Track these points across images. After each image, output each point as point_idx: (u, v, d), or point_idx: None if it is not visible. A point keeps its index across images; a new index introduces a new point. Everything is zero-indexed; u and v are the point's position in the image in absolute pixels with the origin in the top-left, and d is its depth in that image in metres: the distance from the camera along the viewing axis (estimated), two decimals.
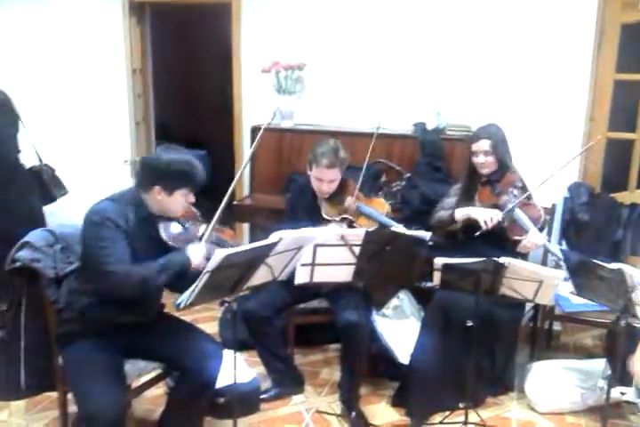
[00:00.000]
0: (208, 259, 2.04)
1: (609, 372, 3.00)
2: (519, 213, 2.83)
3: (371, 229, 2.34)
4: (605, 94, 3.52)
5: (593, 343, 3.70)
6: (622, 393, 2.94)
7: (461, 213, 2.95)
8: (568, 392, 2.97)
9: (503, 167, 2.95)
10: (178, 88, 6.06)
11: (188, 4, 4.42)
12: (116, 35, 4.29)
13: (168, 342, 2.40)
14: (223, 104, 4.79)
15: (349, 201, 2.94)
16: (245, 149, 4.28)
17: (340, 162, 2.87)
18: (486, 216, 2.84)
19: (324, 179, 2.89)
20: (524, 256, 2.90)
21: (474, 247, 2.80)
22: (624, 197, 3.56)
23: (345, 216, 2.93)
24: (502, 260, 2.33)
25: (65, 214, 3.94)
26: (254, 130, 4.02)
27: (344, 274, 2.44)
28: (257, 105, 4.15)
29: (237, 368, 2.33)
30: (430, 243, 2.43)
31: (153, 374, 2.54)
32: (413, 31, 3.76)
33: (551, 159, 3.35)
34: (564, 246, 3.39)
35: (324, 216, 2.94)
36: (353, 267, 2.42)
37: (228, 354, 2.47)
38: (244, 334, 2.96)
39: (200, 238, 2.28)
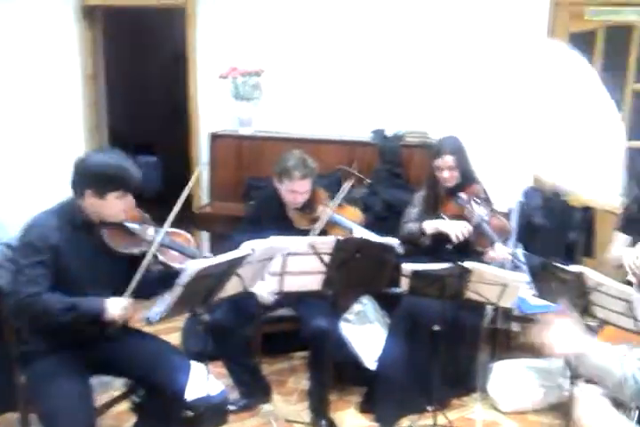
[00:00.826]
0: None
1: (568, 370, 3.12)
2: (485, 226, 2.89)
3: (341, 238, 2.35)
4: None
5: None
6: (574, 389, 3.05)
7: (431, 227, 2.97)
8: (530, 391, 3.05)
9: (467, 180, 3.01)
10: (131, 94, 5.95)
11: (140, 7, 4.35)
12: (69, 39, 4.18)
13: (134, 356, 2.34)
14: (179, 110, 4.73)
15: (322, 211, 2.91)
16: (203, 155, 4.23)
17: (311, 172, 2.87)
18: (457, 230, 2.86)
19: (298, 191, 2.86)
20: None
21: (439, 254, 2.85)
22: (576, 201, 3.69)
23: (316, 226, 2.91)
24: (468, 265, 2.39)
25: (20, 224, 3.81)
26: (212, 137, 4.00)
27: (313, 282, 2.45)
28: (214, 111, 4.11)
29: (207, 381, 2.30)
30: (399, 251, 2.46)
31: (119, 390, 2.48)
32: (370, 38, 3.80)
33: (507, 164, 3.44)
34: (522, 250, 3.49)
35: (295, 226, 2.92)
36: (322, 275, 2.43)
37: (194, 366, 2.44)
38: (209, 345, 2.92)
39: (151, 242, 2.21)
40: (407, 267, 2.41)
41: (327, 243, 2.34)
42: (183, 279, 1.90)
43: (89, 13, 4.21)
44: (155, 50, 5.86)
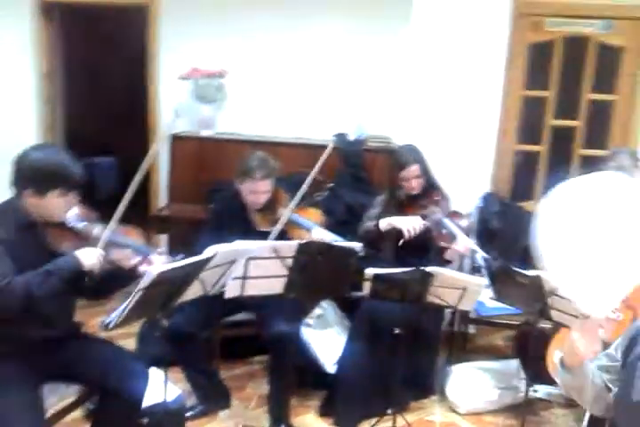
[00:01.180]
0: (111, 262, 1.93)
1: (522, 372, 3.19)
2: (446, 222, 2.94)
3: (303, 241, 2.34)
4: (514, 109, 3.74)
5: (504, 344, 3.89)
6: (535, 391, 3.13)
7: (385, 223, 3.01)
8: (486, 393, 3.11)
9: (432, 186, 3.08)
10: (90, 93, 5.81)
11: (101, 5, 4.26)
12: (25, 37, 4.06)
13: (89, 362, 2.27)
14: (139, 111, 4.65)
15: (283, 212, 2.90)
16: (162, 156, 4.17)
17: (272, 172, 2.87)
18: (409, 225, 2.90)
19: (259, 191, 2.86)
20: (447, 264, 3.01)
21: (401, 258, 2.87)
22: (531, 206, 3.78)
23: (277, 227, 2.90)
24: (429, 269, 2.41)
25: None
26: (172, 138, 3.94)
27: (275, 286, 2.43)
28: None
29: (164, 386, 2.26)
30: (361, 254, 2.47)
31: (73, 398, 2.41)
32: (334, 41, 3.82)
33: (466, 170, 3.51)
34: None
35: (256, 227, 2.90)
36: (284, 279, 2.42)
37: (151, 372, 2.39)
38: (166, 350, 2.86)
39: (97, 240, 2.13)
40: (370, 271, 2.42)
41: (290, 246, 2.33)
42: (143, 283, 1.86)
43: (46, 11, 4.10)
44: (115, 49, 5.74)
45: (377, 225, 3.03)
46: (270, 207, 2.94)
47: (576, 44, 3.63)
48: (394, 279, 2.43)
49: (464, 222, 3.06)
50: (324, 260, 2.39)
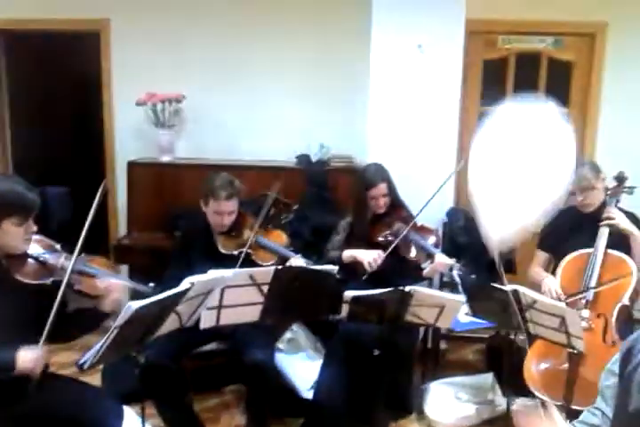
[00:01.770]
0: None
1: (497, 385, 3.20)
2: (420, 241, 2.94)
3: (280, 267, 2.30)
4: (472, 125, 3.80)
5: (475, 358, 3.90)
6: (510, 404, 3.13)
7: (347, 255, 3.03)
8: (463, 408, 3.09)
9: (397, 204, 3.10)
10: (41, 121, 5.63)
11: (51, 32, 4.14)
12: None
13: (61, 405, 2.15)
14: (91, 137, 4.53)
15: (248, 234, 2.88)
16: (120, 184, 4.06)
17: (236, 192, 2.86)
18: (369, 257, 2.92)
19: (224, 211, 2.83)
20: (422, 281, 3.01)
21: (379, 278, 2.86)
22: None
23: (243, 250, 2.86)
24: (408, 289, 2.40)
25: None
26: (130, 165, 3.84)
27: (251, 314, 2.37)
28: (132, 138, 3.97)
29: (143, 424, 2.16)
30: (337, 276, 2.43)
31: None
32: (293, 63, 3.82)
33: (429, 186, 3.52)
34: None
35: (221, 251, 2.86)
36: (260, 306, 2.36)
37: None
38: (135, 386, 2.75)
39: (63, 269, 2.07)
40: (348, 293, 2.39)
41: (266, 273, 2.28)
42: (121, 319, 1.77)
43: None
44: (64, 75, 5.59)
45: (339, 257, 3.03)
46: (236, 229, 2.91)
47: (528, 60, 3.74)
48: (372, 300, 2.41)
49: (432, 239, 3.08)
50: (301, 284, 2.35)
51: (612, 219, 2.89)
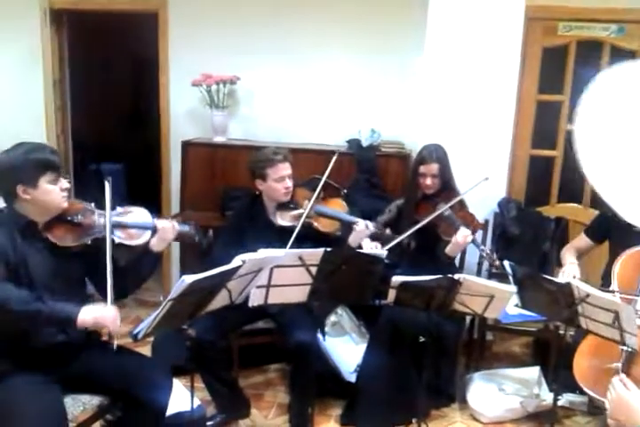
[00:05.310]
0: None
1: (543, 379, 3.15)
2: (451, 216, 2.91)
3: (329, 249, 2.31)
4: (529, 114, 3.72)
5: (521, 351, 3.85)
6: (557, 399, 3.09)
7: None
8: (507, 401, 3.07)
9: (447, 188, 3.06)
10: (99, 100, 5.79)
11: (110, 12, 4.23)
12: (35, 44, 4.04)
13: (112, 372, 2.23)
14: (146, 117, 4.63)
15: (306, 204, 2.92)
16: (174, 164, 4.14)
17: (288, 155, 2.93)
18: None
19: (285, 175, 2.88)
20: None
21: (419, 263, 2.86)
22: (548, 211, 3.76)
23: (302, 219, 2.87)
24: (457, 276, 2.38)
25: None
26: (184, 145, 3.91)
27: (299, 294, 2.40)
28: (187, 119, 4.03)
29: (192, 396, 2.22)
30: (386, 261, 2.43)
31: (96, 409, 2.36)
32: (347, 48, 3.80)
33: (481, 176, 3.47)
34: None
35: (280, 223, 2.89)
36: (308, 287, 2.39)
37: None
38: (185, 359, 2.82)
39: (101, 226, 2.16)
40: (396, 279, 2.39)
41: (315, 255, 2.30)
42: (175, 292, 1.83)
43: (56, 19, 4.08)
44: (125, 55, 5.72)
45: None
46: (292, 202, 2.96)
47: (589, 48, 3.62)
48: (420, 287, 2.40)
49: (469, 214, 3.01)
50: (349, 267, 2.36)
51: None
